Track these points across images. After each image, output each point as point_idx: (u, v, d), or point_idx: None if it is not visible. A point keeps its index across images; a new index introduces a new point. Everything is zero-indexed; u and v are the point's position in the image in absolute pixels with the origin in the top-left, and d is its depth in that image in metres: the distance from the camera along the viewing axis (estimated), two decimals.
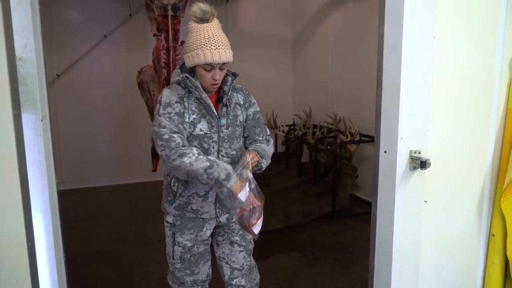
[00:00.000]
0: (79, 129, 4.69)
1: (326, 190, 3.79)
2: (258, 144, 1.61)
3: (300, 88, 5.60)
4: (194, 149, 1.41)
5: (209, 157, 1.42)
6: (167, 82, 3.27)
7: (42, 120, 1.33)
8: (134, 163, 4.83)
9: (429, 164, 1.43)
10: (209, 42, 1.40)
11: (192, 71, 1.51)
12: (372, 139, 3.63)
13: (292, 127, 4.98)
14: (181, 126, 1.45)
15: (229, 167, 1.41)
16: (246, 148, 1.65)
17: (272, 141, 1.70)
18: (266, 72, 5.40)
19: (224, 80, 1.55)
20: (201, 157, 1.39)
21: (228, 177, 1.38)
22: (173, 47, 3.24)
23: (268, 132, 1.70)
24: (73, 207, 3.91)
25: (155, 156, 3.72)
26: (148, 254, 2.93)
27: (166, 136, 1.40)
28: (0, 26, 1.07)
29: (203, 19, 1.43)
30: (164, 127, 1.41)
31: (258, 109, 1.67)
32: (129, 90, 4.48)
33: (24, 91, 1.25)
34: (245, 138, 1.66)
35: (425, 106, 1.47)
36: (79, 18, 4.57)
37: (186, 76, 1.46)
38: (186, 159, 1.37)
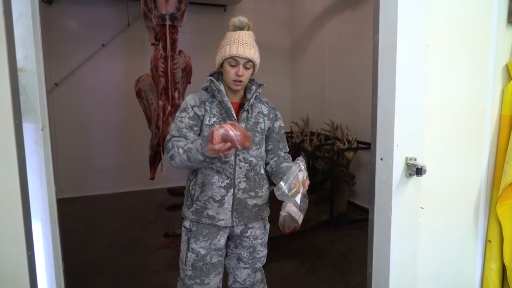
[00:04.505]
0: (77, 137, 4.69)
1: (324, 197, 3.80)
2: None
3: (297, 96, 5.64)
4: (175, 146, 1.45)
5: (185, 146, 1.43)
6: (165, 91, 3.29)
7: (42, 130, 1.34)
8: (132, 171, 4.83)
9: (425, 171, 1.44)
10: (237, 40, 1.49)
11: (220, 74, 1.59)
12: (369, 146, 3.65)
13: (289, 135, 5.01)
14: (185, 130, 1.52)
15: (198, 144, 1.40)
16: (267, 163, 1.67)
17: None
18: (264, 80, 5.37)
19: (249, 89, 1.61)
20: (180, 150, 1.44)
21: (200, 150, 1.38)
22: (171, 56, 3.27)
23: (288, 149, 1.75)
24: (71, 216, 3.90)
25: (153, 164, 3.73)
26: (146, 263, 2.92)
27: (169, 145, 1.49)
28: (2, 37, 1.09)
29: (239, 28, 1.53)
30: (169, 133, 1.53)
31: (283, 125, 1.72)
32: (127, 98, 4.51)
33: (25, 101, 1.27)
34: (268, 151, 1.68)
35: (420, 114, 1.50)
36: (77, 27, 4.60)
37: (211, 80, 1.54)
38: (176, 159, 1.45)
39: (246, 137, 1.33)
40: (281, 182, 1.41)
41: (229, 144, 1.31)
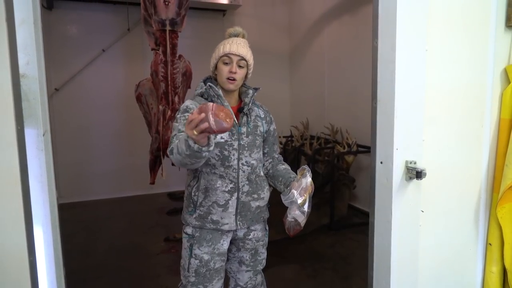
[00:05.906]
0: (77, 142, 4.69)
1: (324, 201, 3.80)
2: (289, 170, 1.68)
3: (297, 100, 5.65)
4: (174, 144, 1.36)
5: (177, 144, 1.33)
6: (165, 96, 3.30)
7: (43, 135, 1.35)
8: (132, 176, 4.83)
9: (425, 174, 1.45)
10: (230, 41, 1.54)
11: (214, 79, 1.60)
12: (369, 150, 3.65)
13: (289, 139, 5.01)
14: None
15: (182, 137, 1.28)
16: (263, 165, 1.70)
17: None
18: (264, 84, 5.38)
19: (246, 93, 1.63)
20: (172, 147, 1.35)
21: (187, 143, 1.24)
22: (171, 61, 3.28)
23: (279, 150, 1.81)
24: (71, 221, 3.89)
25: (153, 168, 3.73)
26: (146, 268, 2.92)
27: (171, 140, 1.44)
28: (5, 44, 1.10)
29: (234, 35, 1.59)
30: (173, 131, 1.48)
31: (276, 128, 1.76)
32: (127, 103, 4.52)
33: (27, 107, 1.27)
34: (264, 153, 1.71)
35: (419, 117, 1.50)
36: (77, 32, 4.62)
37: (209, 85, 1.54)
38: (176, 155, 1.33)
39: (227, 115, 1.15)
40: (293, 190, 1.45)
41: (206, 124, 1.14)
